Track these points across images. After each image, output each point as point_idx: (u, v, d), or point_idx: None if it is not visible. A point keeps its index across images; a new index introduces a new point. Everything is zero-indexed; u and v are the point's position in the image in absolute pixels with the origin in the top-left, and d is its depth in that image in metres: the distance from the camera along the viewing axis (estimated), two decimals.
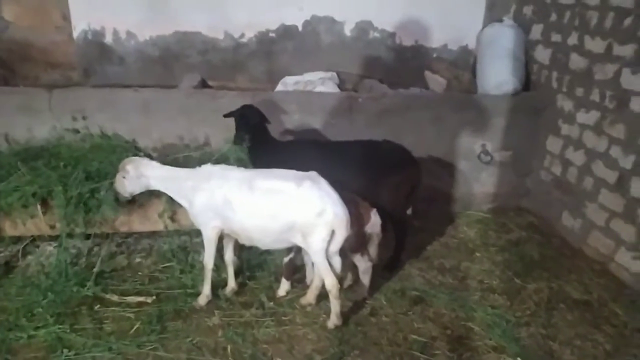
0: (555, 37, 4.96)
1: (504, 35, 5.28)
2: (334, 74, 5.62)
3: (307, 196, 3.26)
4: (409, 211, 4.11)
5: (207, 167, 3.61)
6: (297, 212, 3.26)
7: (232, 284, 3.82)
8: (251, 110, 3.96)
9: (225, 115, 3.98)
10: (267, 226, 3.37)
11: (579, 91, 4.64)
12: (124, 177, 3.66)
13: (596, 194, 4.44)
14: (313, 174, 3.39)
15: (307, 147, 4.03)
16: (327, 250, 3.33)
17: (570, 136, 4.78)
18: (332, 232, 3.28)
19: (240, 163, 4.01)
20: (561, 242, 4.78)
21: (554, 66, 5.00)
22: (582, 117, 4.62)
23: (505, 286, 4.06)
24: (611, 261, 4.27)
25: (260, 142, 3.93)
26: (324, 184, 3.35)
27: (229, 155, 4.16)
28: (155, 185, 3.68)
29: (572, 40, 4.72)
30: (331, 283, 3.38)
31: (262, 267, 4.12)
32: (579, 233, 4.64)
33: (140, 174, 3.64)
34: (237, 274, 3.90)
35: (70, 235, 3.98)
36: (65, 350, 3.18)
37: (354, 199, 3.57)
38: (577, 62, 4.67)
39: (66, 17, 5.47)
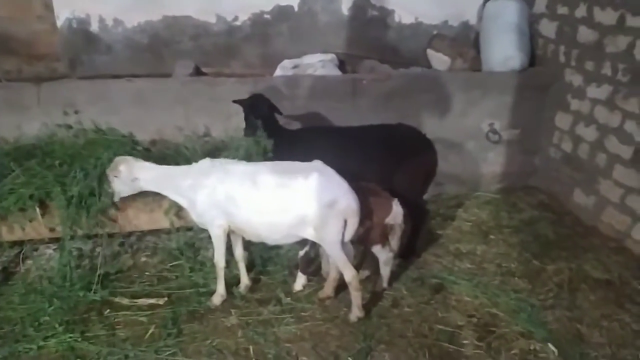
0: (562, 10, 4.82)
1: (508, 9, 5.13)
2: (334, 55, 5.41)
3: (316, 188, 3.10)
4: (425, 196, 3.99)
5: (206, 162, 3.39)
6: (308, 206, 3.11)
7: (245, 280, 3.68)
8: (261, 100, 3.76)
9: (235, 101, 3.77)
10: (275, 222, 3.21)
11: (589, 65, 4.52)
12: (115, 177, 3.45)
13: (610, 169, 4.36)
14: (319, 163, 3.24)
15: (319, 134, 3.86)
16: (341, 241, 3.20)
17: (580, 111, 4.69)
18: (345, 222, 3.15)
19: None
20: (574, 220, 4.72)
21: (560, 40, 4.88)
22: (593, 91, 4.51)
23: (524, 269, 3.99)
24: (627, 237, 4.22)
25: (269, 132, 3.74)
26: (331, 173, 3.20)
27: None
28: (148, 187, 3.46)
29: (580, 12, 4.58)
30: (350, 275, 3.27)
31: (274, 261, 3.98)
32: (593, 210, 4.58)
33: (134, 177, 3.42)
34: (249, 269, 3.77)
35: (71, 237, 3.78)
36: None
37: (374, 189, 3.44)
38: (586, 35, 4.54)
39: (48, 6, 5.13)
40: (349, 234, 3.18)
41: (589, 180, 4.62)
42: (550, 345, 3.20)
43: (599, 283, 3.82)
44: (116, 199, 3.59)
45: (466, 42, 5.69)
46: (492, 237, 4.44)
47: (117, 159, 3.52)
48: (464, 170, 5.13)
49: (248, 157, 3.73)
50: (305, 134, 3.95)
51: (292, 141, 3.75)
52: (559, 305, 3.58)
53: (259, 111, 3.71)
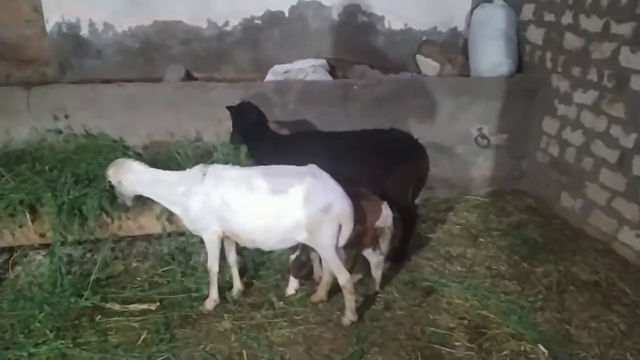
0: (549, 17, 4.91)
1: (496, 16, 5.21)
2: (324, 61, 5.45)
3: (311, 192, 3.10)
4: (416, 201, 4.03)
5: (200, 168, 3.36)
6: (303, 210, 3.11)
7: (238, 284, 3.68)
8: (248, 108, 3.76)
9: (227, 107, 3.78)
10: (270, 227, 3.20)
11: (576, 71, 4.61)
12: (109, 181, 3.44)
13: (596, 173, 4.44)
14: (313, 167, 3.25)
15: (311, 138, 3.88)
16: (336, 245, 3.21)
17: (567, 116, 4.77)
18: (339, 226, 3.17)
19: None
20: (561, 223, 4.79)
21: (547, 46, 4.96)
22: (579, 97, 4.60)
23: (513, 271, 4.04)
24: (614, 240, 4.30)
25: (260, 138, 3.75)
26: (326, 177, 3.21)
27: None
28: (141, 191, 3.41)
29: (567, 19, 4.67)
30: (345, 279, 3.28)
31: (266, 266, 3.99)
32: (580, 213, 4.66)
33: (118, 180, 3.37)
34: (241, 273, 3.76)
35: (62, 243, 3.75)
36: None
37: (364, 193, 3.47)
38: (572, 41, 4.63)
39: (37, 10, 5.10)
40: (343, 239, 3.19)
41: (576, 184, 4.70)
42: (540, 346, 3.24)
43: (586, 285, 3.88)
44: (128, 203, 3.56)
45: (455, 48, 5.77)
46: (481, 240, 4.49)
47: (115, 161, 3.49)
48: (454, 174, 5.19)
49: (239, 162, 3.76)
50: (298, 139, 3.96)
51: (284, 146, 3.76)
52: (548, 306, 3.63)
53: (248, 119, 3.70)
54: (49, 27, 5.15)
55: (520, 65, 5.27)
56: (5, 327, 3.31)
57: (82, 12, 5.18)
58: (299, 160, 3.32)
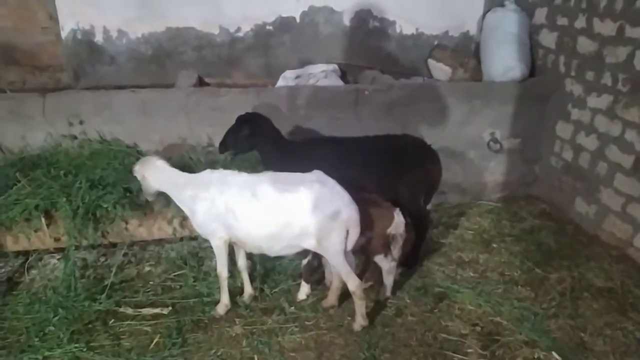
0: (562, 21, 4.88)
1: (508, 20, 5.18)
2: (336, 66, 5.45)
3: (318, 199, 3.09)
4: (428, 206, 4.01)
5: (207, 174, 3.40)
6: (309, 217, 3.10)
7: (248, 289, 3.69)
8: (259, 118, 3.82)
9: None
10: (275, 234, 3.20)
11: (589, 75, 4.57)
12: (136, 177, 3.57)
13: (611, 178, 4.39)
14: (319, 174, 3.23)
15: (323, 145, 3.88)
16: (344, 251, 3.21)
17: (581, 121, 4.72)
18: (347, 232, 3.16)
19: None
20: (575, 228, 4.74)
21: (560, 50, 4.92)
22: (593, 101, 4.55)
23: (527, 277, 4.01)
24: (629, 246, 4.24)
25: (271, 146, 3.76)
26: (332, 184, 3.19)
27: None
28: (160, 187, 3.51)
29: (580, 23, 4.64)
30: (354, 284, 3.27)
31: (277, 270, 3.99)
32: (594, 219, 4.60)
33: (143, 175, 3.50)
34: (252, 278, 3.77)
35: (76, 247, 3.80)
36: None
37: (376, 199, 3.47)
38: (585, 45, 4.59)
39: (53, 17, 5.18)
40: (350, 244, 3.18)
41: (590, 189, 4.65)
42: (554, 353, 3.21)
43: (601, 291, 3.84)
44: (150, 198, 3.67)
45: (467, 52, 5.75)
46: (494, 245, 4.45)
47: (143, 158, 3.64)
48: (466, 179, 5.17)
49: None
50: (310, 145, 3.95)
51: (294, 152, 3.76)
52: (562, 313, 3.60)
53: (258, 129, 3.73)
54: (64, 34, 5.23)
55: (533, 70, 5.24)
56: (20, 330, 3.35)
57: (96, 19, 5.25)
58: (311, 166, 3.31)
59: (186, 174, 3.51)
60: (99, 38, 5.33)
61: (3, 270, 3.96)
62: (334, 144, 3.88)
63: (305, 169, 3.29)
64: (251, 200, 3.16)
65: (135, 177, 3.59)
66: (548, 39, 5.08)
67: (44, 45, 5.31)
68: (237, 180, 3.27)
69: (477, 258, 4.26)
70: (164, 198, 3.75)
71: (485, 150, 5.12)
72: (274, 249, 3.31)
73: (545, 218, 4.93)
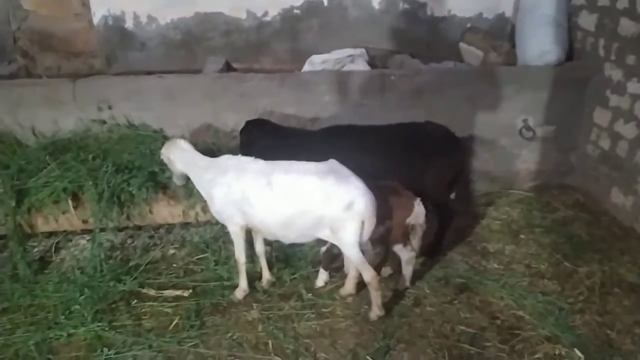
0: (602, 1, 4.60)
1: (545, 1, 4.92)
2: (363, 50, 5.36)
3: (333, 190, 3.05)
4: (452, 195, 3.91)
5: (225, 159, 3.43)
6: (325, 208, 3.07)
7: (266, 275, 3.71)
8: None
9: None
10: (290, 223, 3.19)
11: (630, 59, 4.30)
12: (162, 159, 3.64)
13: None
14: (334, 163, 3.18)
15: (341, 133, 3.82)
16: (359, 242, 3.16)
17: (620, 107, 4.47)
18: (362, 223, 3.10)
19: None
20: (611, 220, 4.51)
21: (600, 33, 4.65)
22: (633, 87, 4.29)
23: (554, 270, 3.86)
24: None
25: (282, 139, 3.77)
26: (347, 173, 3.13)
27: None
28: (183, 169, 3.56)
29: (622, 3, 4.36)
30: (370, 275, 3.22)
31: (298, 257, 3.99)
32: (631, 211, 4.38)
33: (168, 157, 3.56)
34: (271, 263, 3.79)
35: (102, 230, 3.92)
36: (105, 349, 3.13)
37: (396, 187, 3.39)
38: (627, 27, 4.32)
39: (85, 4, 5.31)
40: (366, 235, 3.13)
41: (627, 179, 4.41)
42: (576, 350, 3.09)
43: (633, 287, 3.65)
44: (178, 182, 3.74)
45: (501, 35, 5.53)
46: (522, 236, 4.30)
47: (168, 141, 3.71)
48: (496, 167, 4.99)
49: None
50: (327, 134, 3.89)
51: (312, 143, 3.73)
52: (589, 309, 3.45)
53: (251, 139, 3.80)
54: (96, 20, 5.35)
55: (571, 53, 4.98)
56: (49, 307, 3.48)
57: (126, 5, 5.35)
58: (329, 156, 3.26)
59: (208, 158, 3.54)
60: (129, 24, 5.43)
61: (36, 249, 4.13)
62: (353, 133, 3.81)
63: (323, 158, 3.25)
64: (266, 188, 3.15)
65: (163, 161, 3.66)
66: (587, 20, 4.81)
67: (78, 31, 5.46)
68: (254, 167, 3.27)
69: (503, 249, 4.13)
70: (188, 183, 3.80)
71: (517, 137, 4.92)
72: (288, 238, 3.31)
73: (579, 209, 4.71)
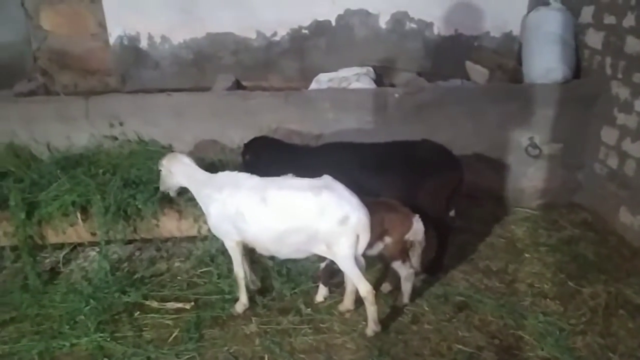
0: (609, 19, 4.59)
1: (551, 19, 4.95)
2: (370, 68, 5.42)
3: (327, 205, 3.09)
4: (451, 213, 3.91)
5: (222, 175, 3.49)
6: (319, 223, 3.11)
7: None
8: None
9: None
10: (284, 239, 3.23)
11: (637, 77, 4.27)
12: (161, 171, 3.69)
13: None
14: (328, 179, 3.23)
15: (338, 150, 3.87)
16: (354, 256, 3.18)
17: (627, 126, 4.43)
18: (357, 237, 3.14)
19: None
20: (618, 240, 4.43)
21: (607, 51, 4.64)
22: None
23: (558, 290, 3.81)
24: None
25: (281, 155, 3.85)
26: (341, 188, 3.18)
27: None
28: (183, 183, 3.63)
29: (629, 21, 4.35)
30: (365, 290, 3.23)
31: (299, 271, 4.01)
32: (639, 231, 4.30)
33: (169, 170, 3.62)
34: (274, 278, 3.83)
35: (109, 242, 4.02)
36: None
37: (394, 204, 3.42)
38: (634, 45, 4.30)
39: (102, 24, 5.53)
40: (360, 249, 3.16)
41: (636, 198, 4.34)
42: None
43: (638, 309, 3.58)
44: (171, 194, 3.80)
45: (509, 53, 5.55)
46: (526, 255, 4.26)
47: (170, 153, 3.77)
48: (501, 185, 4.98)
49: None
50: (323, 151, 3.96)
51: (310, 159, 3.79)
52: (592, 330, 3.39)
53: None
54: (111, 40, 5.56)
55: (578, 71, 4.97)
56: (55, 317, 3.57)
57: (141, 26, 5.55)
58: (325, 173, 3.31)
59: (207, 173, 3.61)
60: (144, 44, 5.62)
61: (48, 260, 4.24)
62: (350, 150, 3.85)
63: (319, 175, 3.29)
64: (260, 204, 3.20)
65: (159, 171, 3.73)
66: (594, 38, 4.80)
67: (94, 51, 5.67)
68: (248, 183, 3.33)
69: (506, 268, 4.09)
70: (193, 198, 3.87)
71: (523, 155, 4.91)
72: (282, 253, 3.35)
73: (586, 228, 4.65)
